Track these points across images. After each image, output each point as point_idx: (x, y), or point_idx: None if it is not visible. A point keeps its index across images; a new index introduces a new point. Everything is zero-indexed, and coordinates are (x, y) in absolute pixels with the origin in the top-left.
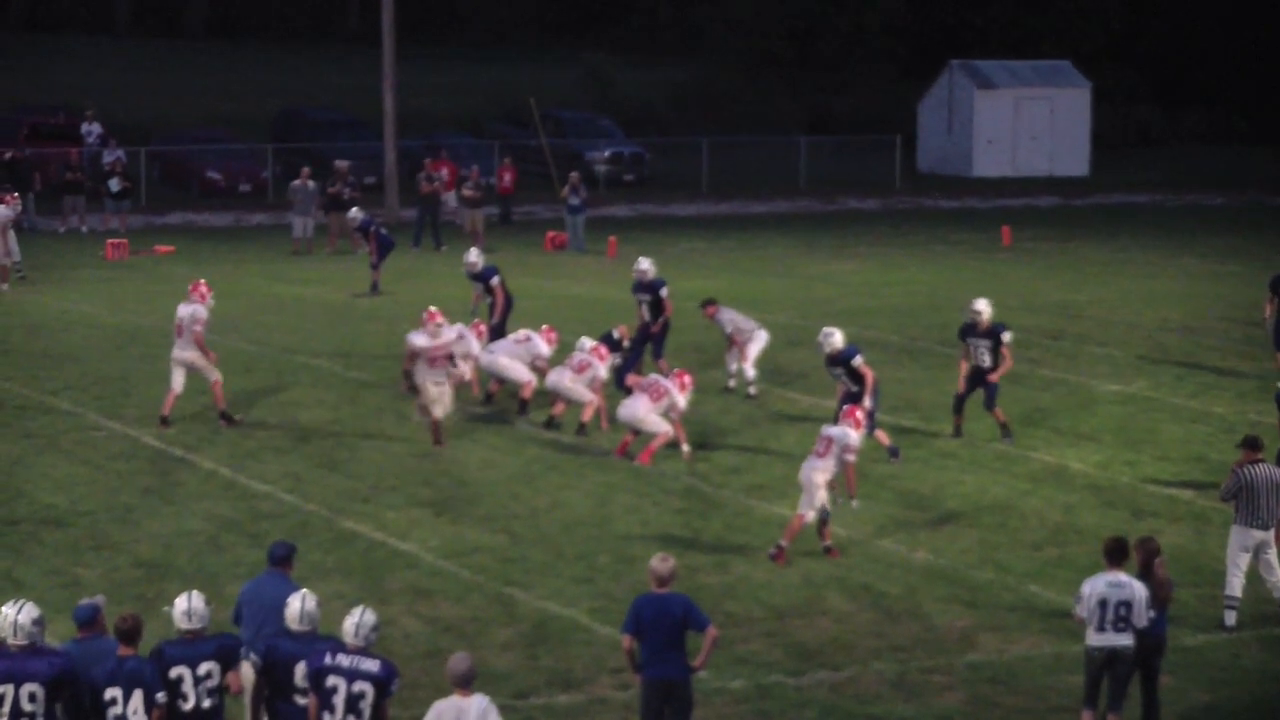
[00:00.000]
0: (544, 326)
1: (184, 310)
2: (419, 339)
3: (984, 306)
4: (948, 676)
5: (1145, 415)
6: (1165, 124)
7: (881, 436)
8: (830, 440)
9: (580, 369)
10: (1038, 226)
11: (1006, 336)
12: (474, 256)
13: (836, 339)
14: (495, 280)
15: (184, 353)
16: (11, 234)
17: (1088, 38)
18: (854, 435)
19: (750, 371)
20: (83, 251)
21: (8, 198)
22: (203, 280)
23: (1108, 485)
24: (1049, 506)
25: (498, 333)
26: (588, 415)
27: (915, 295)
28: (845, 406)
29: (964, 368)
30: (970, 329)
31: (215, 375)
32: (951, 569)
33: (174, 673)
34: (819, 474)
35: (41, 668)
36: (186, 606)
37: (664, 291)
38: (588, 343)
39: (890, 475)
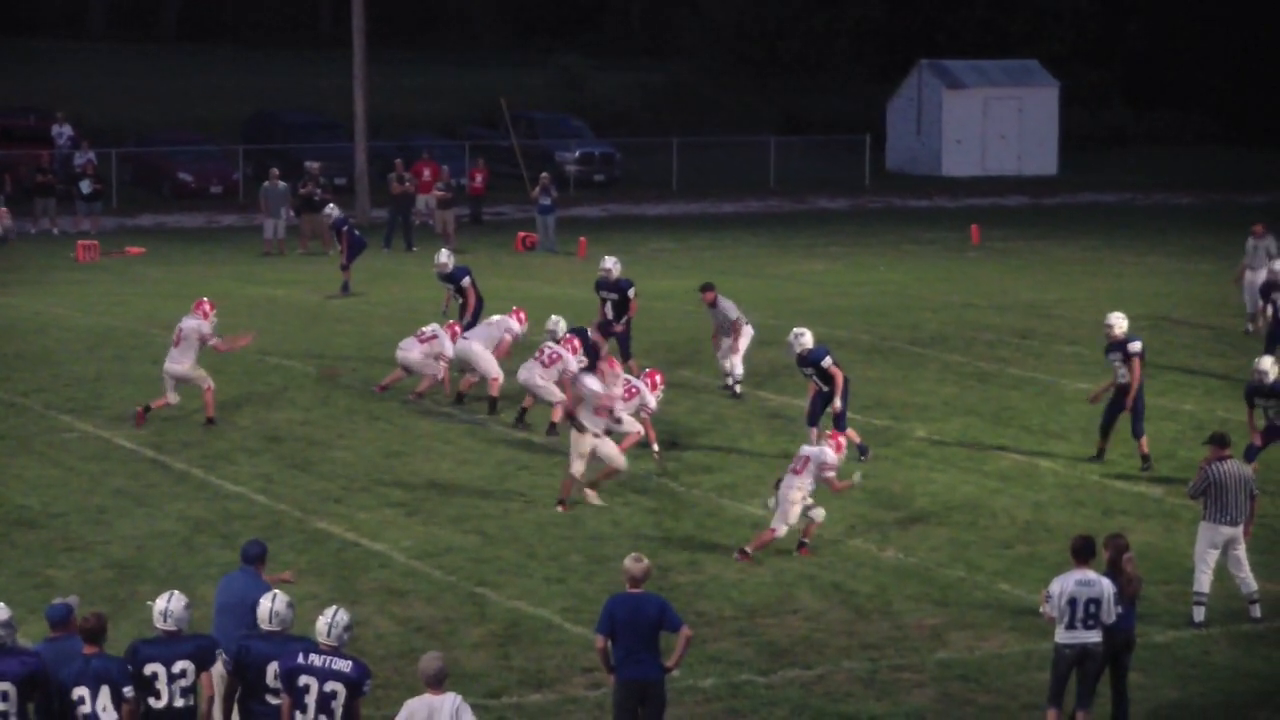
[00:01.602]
0: (514, 308)
1: (188, 323)
2: (592, 383)
3: (1118, 320)
4: (918, 674)
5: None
6: (1134, 124)
7: (851, 435)
8: (807, 459)
9: (550, 362)
10: (1007, 226)
11: (1135, 346)
12: (445, 257)
13: (807, 339)
14: (466, 281)
15: (177, 365)
16: None
17: (1058, 39)
18: (831, 454)
19: (739, 369)
20: (54, 253)
21: None
22: (206, 298)
23: (1077, 483)
24: (1018, 505)
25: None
26: (558, 415)
27: (885, 294)
28: (828, 431)
29: (1105, 387)
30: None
31: (208, 383)
32: (922, 567)
33: (148, 669)
34: (795, 491)
35: (13, 667)
36: (164, 607)
37: (631, 291)
38: (560, 323)
39: (864, 474)
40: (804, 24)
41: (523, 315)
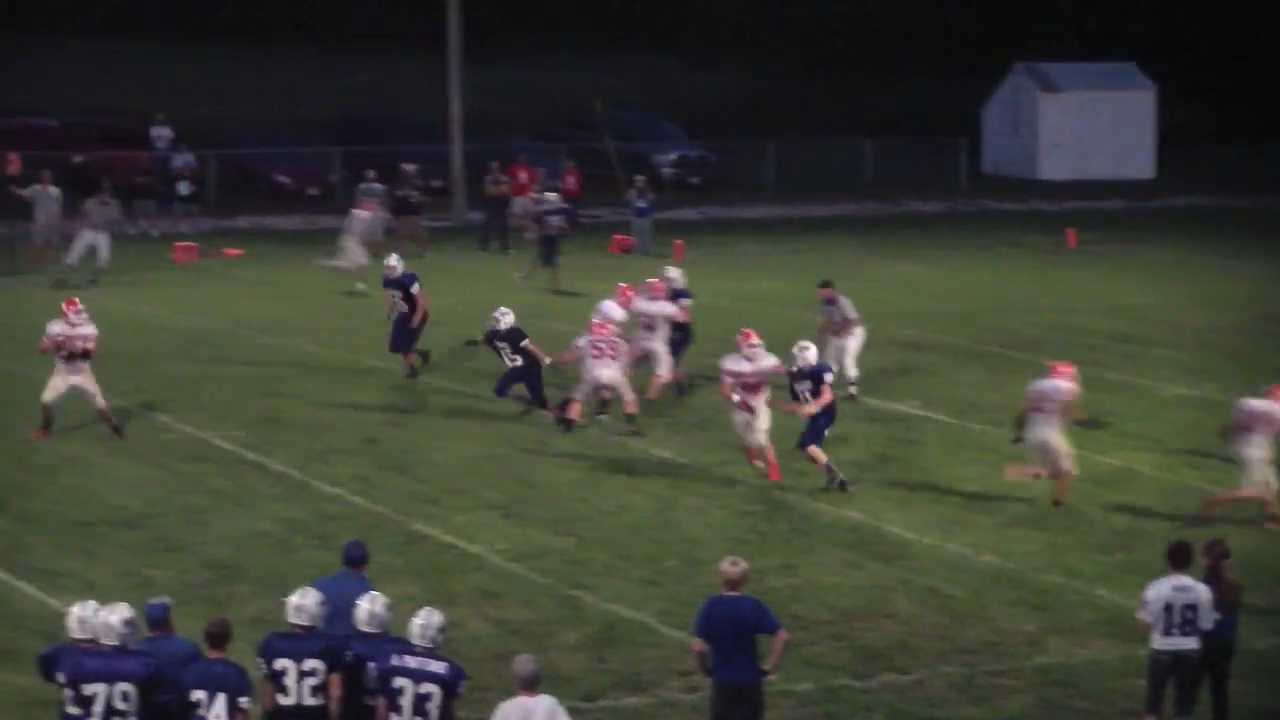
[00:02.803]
0: (620, 284)
1: (86, 329)
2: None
3: None
4: (1015, 680)
5: (1213, 419)
6: (1234, 124)
7: (818, 454)
8: (1043, 394)
9: (627, 354)
10: (1103, 229)
11: None
12: (394, 261)
13: (811, 354)
14: (415, 287)
15: (74, 376)
16: (105, 238)
17: (1152, 42)
18: (1065, 385)
19: (853, 370)
20: (152, 255)
21: (104, 196)
22: (76, 298)
23: (1175, 488)
24: (1116, 509)
25: (411, 339)
26: (632, 408)
27: (979, 298)
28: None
29: None
30: None
31: (101, 402)
32: (1018, 572)
33: (278, 664)
34: (1051, 432)
35: (134, 667)
36: (298, 602)
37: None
38: (615, 311)
39: (959, 478)
40: (896, 24)
41: (628, 294)
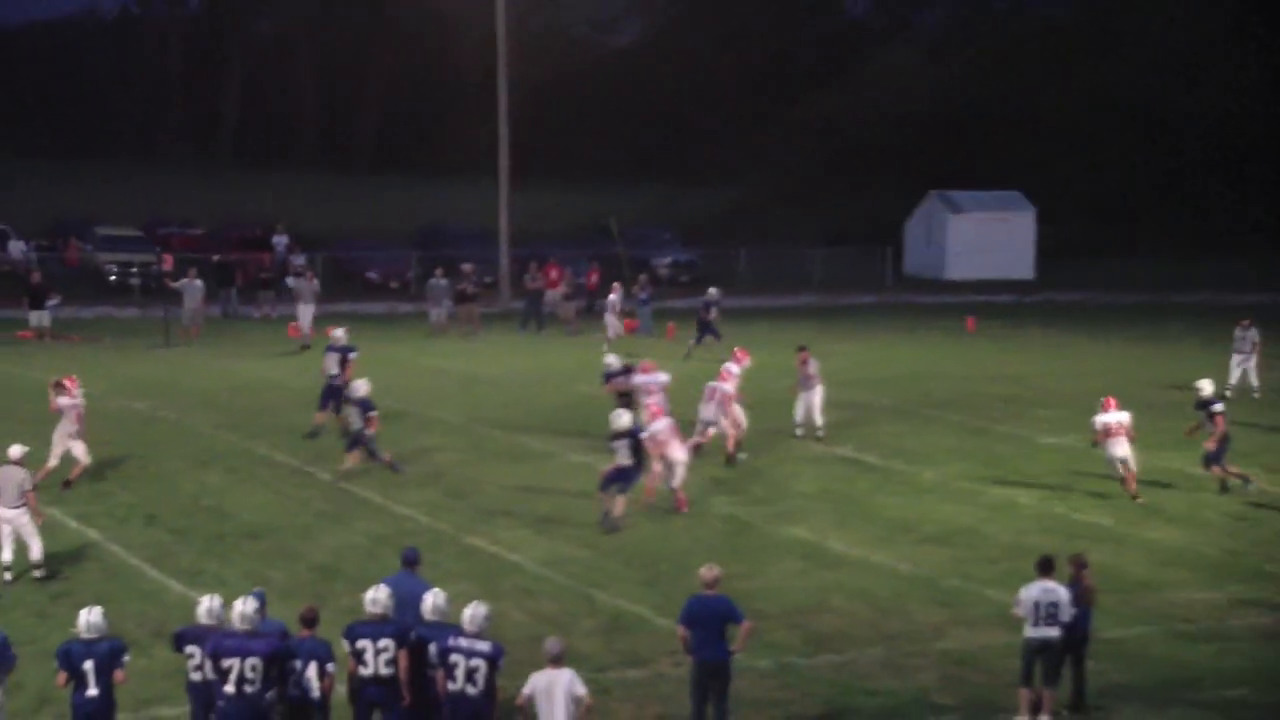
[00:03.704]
0: (738, 351)
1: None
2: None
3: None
4: (925, 659)
5: (1076, 462)
6: (1094, 240)
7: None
8: (1110, 425)
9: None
10: (996, 317)
11: (1217, 406)
12: (339, 333)
13: (624, 420)
14: (353, 355)
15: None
16: (310, 308)
17: (1038, 174)
18: (1123, 414)
19: (820, 418)
20: (273, 332)
21: (309, 274)
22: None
23: (1048, 515)
24: (1003, 531)
25: (338, 395)
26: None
27: (902, 368)
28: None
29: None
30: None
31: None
32: (929, 577)
33: (359, 644)
34: (1122, 448)
35: (261, 646)
36: (373, 596)
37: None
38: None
39: (886, 506)
40: (840, 160)
41: (743, 355)
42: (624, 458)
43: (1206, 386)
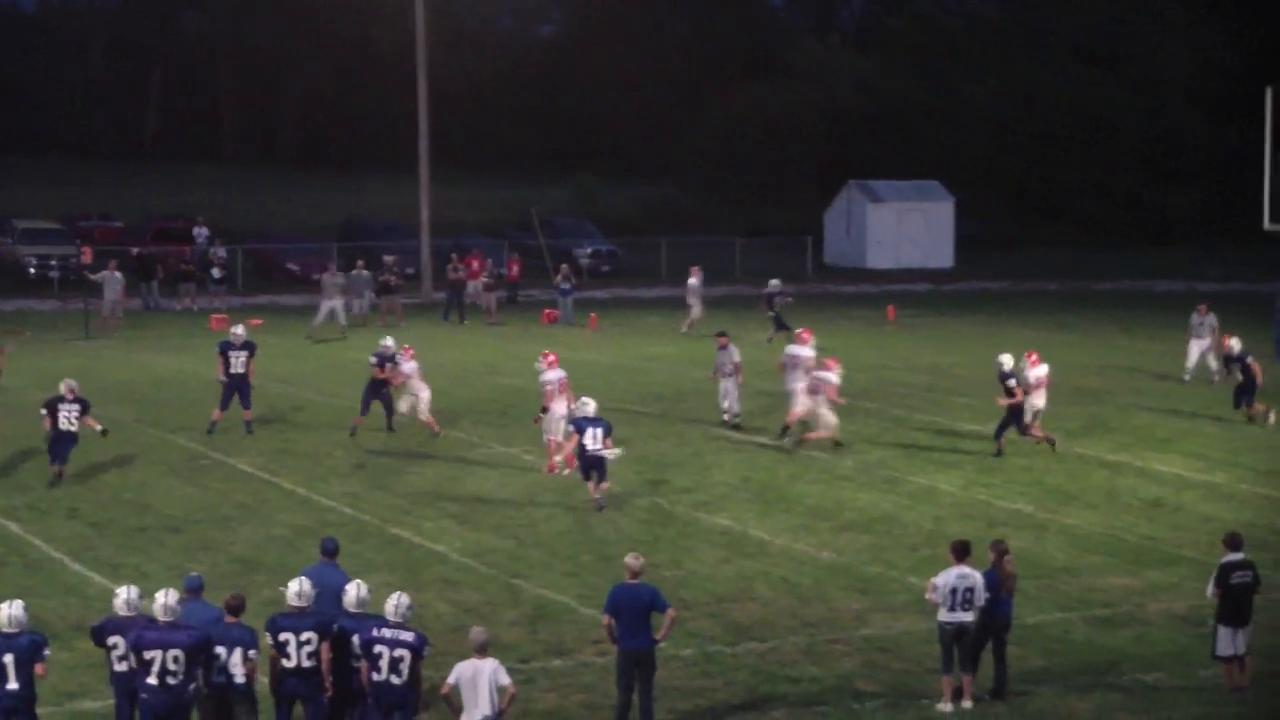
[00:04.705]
0: (829, 360)
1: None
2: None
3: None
4: (847, 646)
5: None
6: (1013, 229)
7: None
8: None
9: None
10: (915, 306)
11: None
12: (240, 329)
13: (590, 408)
14: (253, 351)
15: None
16: (340, 303)
17: (957, 165)
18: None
19: (737, 406)
20: (193, 324)
21: (333, 270)
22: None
23: (968, 502)
24: (923, 518)
25: (245, 390)
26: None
27: (823, 357)
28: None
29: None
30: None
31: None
32: (849, 565)
33: (281, 637)
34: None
35: (183, 639)
36: (298, 589)
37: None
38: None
39: (805, 494)
40: (758, 152)
41: (834, 365)
42: (591, 441)
43: (1236, 345)
